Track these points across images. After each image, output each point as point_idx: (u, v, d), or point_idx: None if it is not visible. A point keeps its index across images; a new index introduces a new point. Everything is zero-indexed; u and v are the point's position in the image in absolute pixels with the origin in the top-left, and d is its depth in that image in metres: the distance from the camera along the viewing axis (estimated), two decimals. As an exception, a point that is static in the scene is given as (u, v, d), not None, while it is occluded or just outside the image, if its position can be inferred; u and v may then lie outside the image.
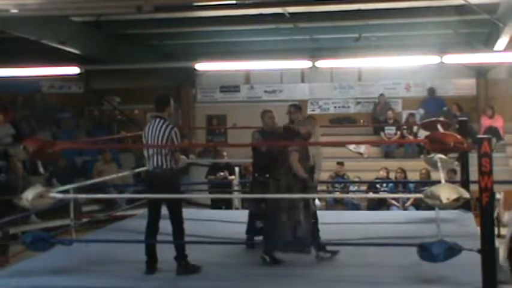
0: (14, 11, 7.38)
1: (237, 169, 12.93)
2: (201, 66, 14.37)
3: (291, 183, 6.41)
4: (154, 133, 6.15)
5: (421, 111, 15.36)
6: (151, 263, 6.05)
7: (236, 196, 12.45)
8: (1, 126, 14.11)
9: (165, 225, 6.18)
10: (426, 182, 11.06)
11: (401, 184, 12.38)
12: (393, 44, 13.66)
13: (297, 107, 7.36)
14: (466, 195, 5.41)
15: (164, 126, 6.14)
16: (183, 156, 7.32)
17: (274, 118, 7.31)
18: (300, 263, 6.34)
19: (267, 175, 6.92)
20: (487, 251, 5.19)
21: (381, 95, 15.75)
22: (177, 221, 6.05)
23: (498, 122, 14.70)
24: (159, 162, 6.09)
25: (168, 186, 6.08)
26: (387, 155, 14.96)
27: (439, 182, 6.24)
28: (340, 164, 13.66)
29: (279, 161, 6.95)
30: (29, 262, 6.46)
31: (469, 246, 5.28)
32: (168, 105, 6.33)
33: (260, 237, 7.06)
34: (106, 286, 5.72)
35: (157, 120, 6.22)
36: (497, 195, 8.12)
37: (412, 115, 15.23)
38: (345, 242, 6.77)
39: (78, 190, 7.82)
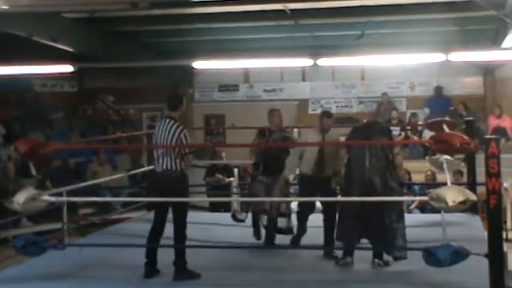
0: (4, 7, 7.38)
1: (236, 171, 12.93)
2: (198, 64, 14.35)
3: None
4: (163, 134, 6.14)
5: (426, 110, 15.37)
6: (150, 266, 6.05)
7: (235, 199, 12.45)
8: (-9, 126, 14.16)
9: (167, 229, 6.18)
10: (431, 184, 11.06)
11: (405, 186, 12.35)
12: (397, 41, 13.65)
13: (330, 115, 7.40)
14: (473, 197, 5.42)
15: (174, 127, 6.13)
16: None
17: (282, 117, 7.41)
18: (302, 267, 6.34)
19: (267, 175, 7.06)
20: (495, 256, 5.19)
21: (384, 94, 15.75)
22: (180, 226, 6.05)
23: (506, 122, 14.70)
24: (169, 165, 6.08)
25: (177, 190, 6.08)
26: (391, 156, 14.95)
27: (444, 184, 6.26)
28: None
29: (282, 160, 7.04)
30: (20, 267, 6.46)
31: (476, 251, 5.29)
32: (181, 104, 6.36)
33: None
34: (100, 292, 5.73)
35: (168, 120, 6.21)
36: (505, 184, 8.10)
37: (414, 115, 15.23)
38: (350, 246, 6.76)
39: (71, 193, 7.84)
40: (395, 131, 15.01)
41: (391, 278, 5.93)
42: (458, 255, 5.26)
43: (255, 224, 7.37)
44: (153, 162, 6.42)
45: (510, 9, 10.04)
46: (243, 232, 7.93)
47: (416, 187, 12.19)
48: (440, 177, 10.82)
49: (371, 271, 6.18)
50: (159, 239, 6.16)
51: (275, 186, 7.23)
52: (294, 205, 10.33)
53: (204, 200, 12.50)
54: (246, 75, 16.96)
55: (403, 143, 14.96)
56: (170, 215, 6.21)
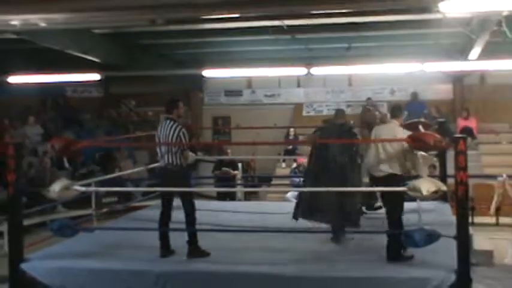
0: (43, 24, 7.40)
1: (239, 165, 12.94)
2: (207, 72, 14.41)
3: None
4: (164, 133, 6.17)
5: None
6: (165, 248, 6.08)
7: (239, 189, 12.47)
8: (32, 126, 14.20)
9: (177, 215, 6.18)
10: (409, 176, 11.03)
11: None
12: (380, 53, 13.66)
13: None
14: (444, 188, 5.43)
15: (174, 126, 6.15)
16: (192, 154, 7.34)
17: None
18: (300, 248, 6.34)
19: None
20: (462, 237, 5.21)
21: (369, 98, 15.76)
22: (190, 211, 6.07)
23: (472, 123, 14.74)
24: (170, 160, 6.11)
25: (178, 180, 6.10)
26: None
27: (420, 176, 6.24)
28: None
29: None
30: (56, 247, 6.49)
31: (446, 233, 5.29)
32: (175, 107, 6.31)
33: None
34: (123, 268, 5.74)
35: (168, 121, 6.23)
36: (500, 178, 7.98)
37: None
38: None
39: (98, 183, 7.87)
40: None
41: (375, 256, 5.90)
42: (432, 237, 5.27)
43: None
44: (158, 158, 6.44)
45: (475, 27, 10.07)
46: (247, 218, 7.96)
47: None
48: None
49: (360, 252, 6.14)
50: (168, 222, 6.17)
51: None
52: (291, 194, 10.36)
53: (212, 190, 12.52)
54: (249, 82, 16.96)
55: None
56: (179, 203, 6.23)
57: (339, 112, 7.24)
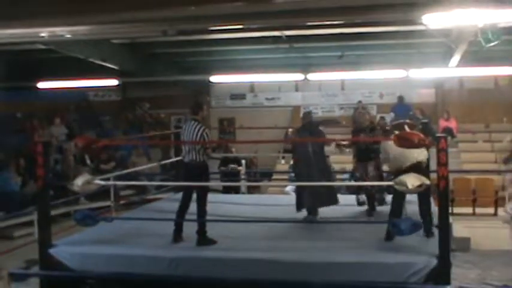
0: (68, 36, 7.42)
1: (243, 162, 12.94)
2: (214, 78, 14.41)
3: None
4: (189, 133, 6.18)
5: (392, 114, 15.30)
6: (178, 233, 6.09)
7: (243, 184, 12.46)
8: (58, 127, 14.24)
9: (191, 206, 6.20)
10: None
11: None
12: (369, 60, 13.65)
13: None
14: (427, 182, 5.44)
15: (198, 127, 6.15)
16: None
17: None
18: (296, 236, 6.35)
19: None
20: (443, 226, 5.23)
21: (359, 101, 15.76)
22: (202, 203, 6.08)
23: (452, 124, 14.75)
24: (194, 157, 6.12)
25: (201, 175, 6.14)
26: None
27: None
28: (327, 156, 13.60)
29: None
30: (79, 235, 6.52)
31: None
32: (200, 110, 6.34)
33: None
34: (139, 253, 5.76)
35: (192, 122, 6.23)
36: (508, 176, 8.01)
37: (382, 118, 15.19)
38: (337, 220, 6.79)
39: (116, 178, 7.88)
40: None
41: (367, 243, 5.89)
42: (416, 226, 5.29)
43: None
44: (181, 154, 6.45)
45: (455, 37, 10.06)
46: (250, 209, 7.97)
47: (384, 174, 12.14)
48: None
49: (353, 239, 6.10)
50: (185, 212, 6.18)
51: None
52: (290, 188, 10.35)
53: (218, 184, 12.51)
54: (252, 86, 16.96)
55: (374, 140, 14.93)
56: (194, 195, 6.24)
57: (306, 114, 7.74)
